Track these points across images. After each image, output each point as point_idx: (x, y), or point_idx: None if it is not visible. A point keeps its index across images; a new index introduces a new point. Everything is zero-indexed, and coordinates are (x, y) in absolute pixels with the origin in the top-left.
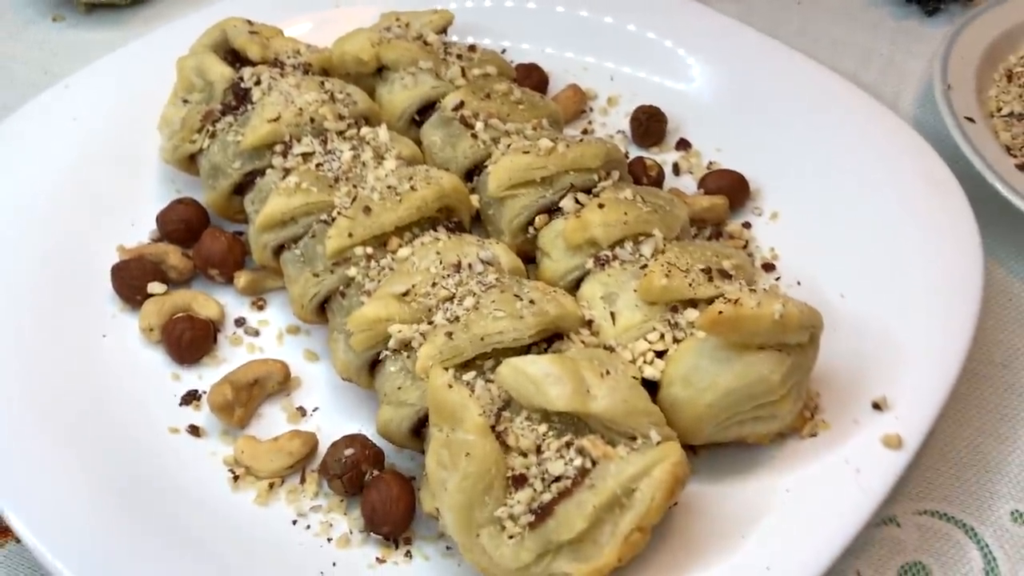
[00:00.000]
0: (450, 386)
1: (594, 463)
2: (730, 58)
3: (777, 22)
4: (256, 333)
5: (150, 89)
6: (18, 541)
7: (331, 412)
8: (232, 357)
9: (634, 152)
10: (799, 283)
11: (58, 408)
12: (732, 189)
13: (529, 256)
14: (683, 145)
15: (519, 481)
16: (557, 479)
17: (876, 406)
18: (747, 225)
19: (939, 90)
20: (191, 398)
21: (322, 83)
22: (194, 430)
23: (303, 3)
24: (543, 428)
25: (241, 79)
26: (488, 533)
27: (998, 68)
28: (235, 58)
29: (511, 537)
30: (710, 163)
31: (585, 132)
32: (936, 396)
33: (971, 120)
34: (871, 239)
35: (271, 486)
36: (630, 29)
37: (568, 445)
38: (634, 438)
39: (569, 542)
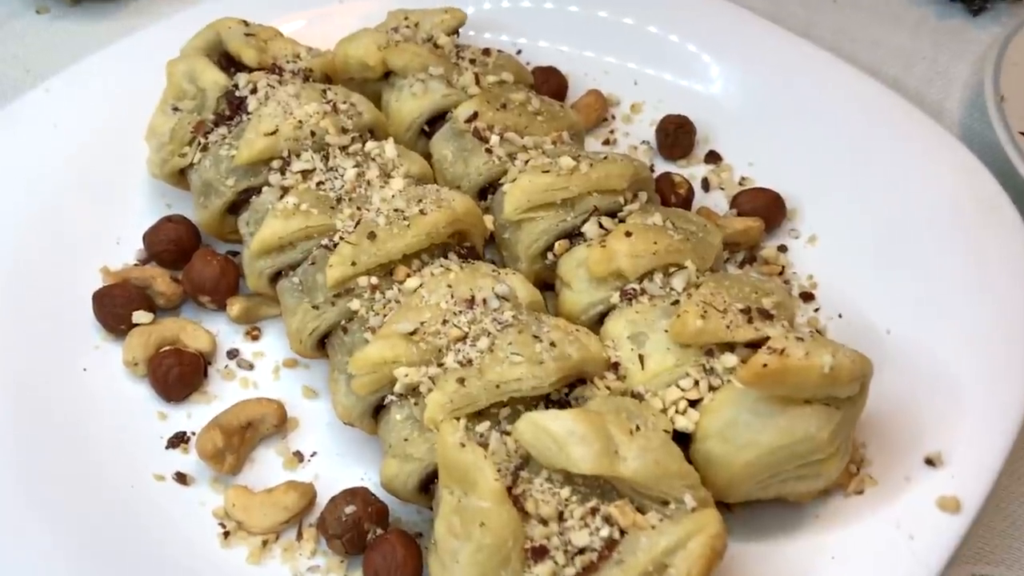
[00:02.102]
0: (463, 444)
1: (623, 533)
2: (761, 62)
3: (812, 22)
4: (250, 367)
5: (138, 93)
6: None
7: (331, 457)
8: (224, 393)
9: (660, 164)
10: (840, 315)
11: (32, 451)
12: (767, 209)
13: (548, 284)
14: (713, 158)
15: (539, 553)
16: (581, 551)
17: (930, 462)
18: (783, 248)
19: (992, 103)
20: (179, 440)
21: (324, 92)
22: (181, 478)
23: None
24: (566, 492)
25: (236, 87)
26: None
27: None
28: (230, 62)
29: None
30: (742, 178)
31: (607, 142)
32: (997, 451)
33: None
34: (919, 267)
35: (265, 543)
36: (654, 30)
37: (593, 512)
38: (666, 503)
39: None
